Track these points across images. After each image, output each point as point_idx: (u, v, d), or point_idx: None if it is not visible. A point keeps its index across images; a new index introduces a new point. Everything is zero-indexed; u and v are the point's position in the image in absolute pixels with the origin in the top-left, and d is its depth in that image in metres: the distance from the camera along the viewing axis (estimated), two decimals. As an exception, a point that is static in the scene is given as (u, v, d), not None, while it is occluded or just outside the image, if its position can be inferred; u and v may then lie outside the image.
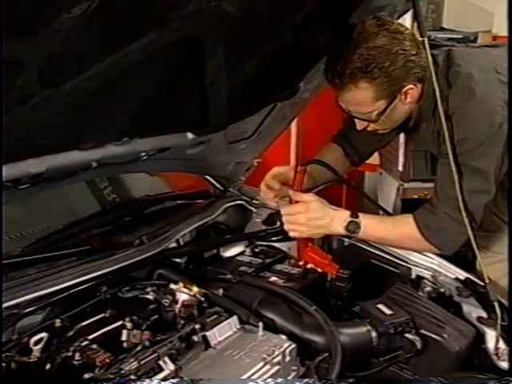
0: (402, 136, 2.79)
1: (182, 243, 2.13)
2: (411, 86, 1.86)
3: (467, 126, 1.82)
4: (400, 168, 3.27)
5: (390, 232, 1.98)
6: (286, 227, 1.94)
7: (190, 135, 2.03)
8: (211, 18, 1.43)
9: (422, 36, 1.79)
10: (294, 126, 4.01)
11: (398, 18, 2.12)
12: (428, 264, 2.15)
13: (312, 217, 1.90)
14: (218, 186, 2.59)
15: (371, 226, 1.95)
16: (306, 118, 3.93)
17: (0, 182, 1.47)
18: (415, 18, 1.77)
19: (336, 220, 1.92)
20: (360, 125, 1.99)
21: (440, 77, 1.87)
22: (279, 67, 1.93)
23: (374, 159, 3.47)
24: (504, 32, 4.09)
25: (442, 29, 4.19)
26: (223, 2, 1.41)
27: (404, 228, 1.96)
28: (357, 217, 1.93)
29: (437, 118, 1.92)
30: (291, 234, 1.94)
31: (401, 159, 3.22)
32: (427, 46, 1.78)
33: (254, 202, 2.54)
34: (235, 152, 2.36)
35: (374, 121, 1.92)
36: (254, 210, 2.51)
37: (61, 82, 1.32)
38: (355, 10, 1.91)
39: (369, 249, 2.24)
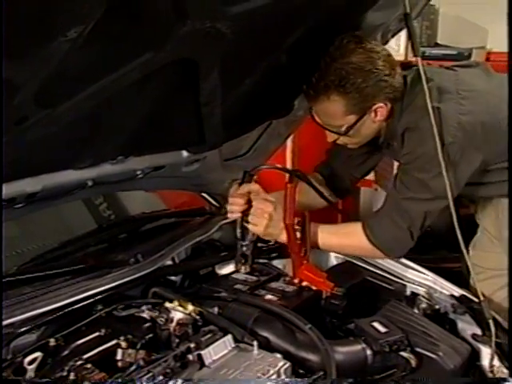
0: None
1: (177, 261, 2.12)
2: (382, 104, 1.95)
3: (417, 141, 1.90)
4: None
5: (333, 240, 2.12)
6: (250, 218, 2.02)
7: (185, 153, 2.04)
8: (206, 39, 1.44)
9: (415, 55, 1.81)
10: (289, 142, 4.01)
11: (392, 36, 2.14)
12: (423, 281, 2.15)
13: (276, 218, 1.98)
14: (214, 202, 2.59)
15: (320, 235, 2.07)
16: (301, 134, 3.93)
17: (0, 200, 1.48)
18: (409, 37, 1.78)
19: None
20: (330, 137, 2.08)
21: (406, 95, 1.97)
22: (274, 86, 1.95)
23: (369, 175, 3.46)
24: (498, 48, 4.15)
25: (437, 45, 4.23)
26: (217, 23, 1.42)
27: (350, 233, 2.10)
28: None
29: (399, 139, 2.01)
30: (250, 226, 2.02)
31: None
32: (420, 64, 1.80)
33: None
34: (231, 169, 2.37)
35: (343, 134, 2.01)
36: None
37: (56, 103, 1.34)
38: (349, 30, 1.93)
39: (364, 266, 2.24)
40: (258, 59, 1.75)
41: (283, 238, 2.02)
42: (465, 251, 1.87)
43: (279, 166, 2.17)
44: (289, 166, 4.04)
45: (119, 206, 2.64)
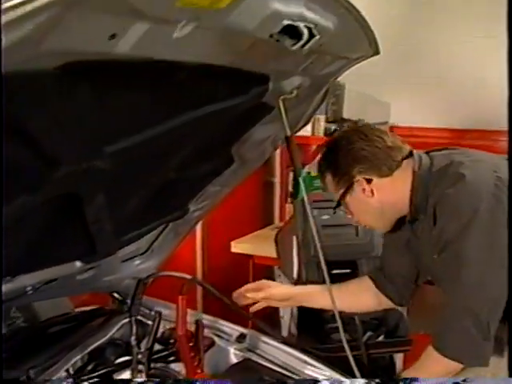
0: (294, 244, 2.86)
1: (72, 371, 2.09)
2: (360, 178, 2.00)
3: (450, 211, 1.88)
4: (295, 275, 3.26)
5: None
6: None
7: (78, 263, 2.03)
8: (84, 175, 1.47)
9: (296, 174, 1.88)
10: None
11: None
12: (320, 377, 2.19)
13: None
14: (118, 296, 2.57)
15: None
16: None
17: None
18: (290, 156, 1.85)
19: None
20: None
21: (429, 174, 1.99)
22: (165, 196, 1.98)
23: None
24: (400, 122, 4.31)
25: (343, 120, 4.35)
26: (94, 162, 1.45)
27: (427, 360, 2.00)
28: None
29: (430, 212, 1.97)
30: None
31: (295, 267, 3.23)
32: (302, 182, 1.85)
33: (152, 313, 2.53)
34: (129, 269, 2.37)
35: (337, 206, 2.12)
36: (150, 323, 2.50)
37: None
38: (236, 143, 1.99)
39: (263, 363, 2.27)
40: (143, 181, 1.78)
41: None
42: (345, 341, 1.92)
43: (175, 273, 2.18)
44: (199, 241, 4.07)
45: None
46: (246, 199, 4.08)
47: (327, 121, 4.25)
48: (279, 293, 2.43)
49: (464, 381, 1.85)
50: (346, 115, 4.39)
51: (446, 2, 4.03)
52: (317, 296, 2.41)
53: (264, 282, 2.49)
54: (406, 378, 1.91)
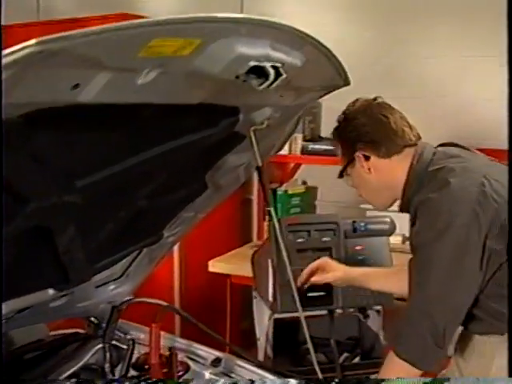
0: (270, 267, 2.87)
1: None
2: (361, 155, 2.06)
3: (429, 215, 1.88)
4: (270, 298, 3.22)
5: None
6: None
7: (50, 291, 2.03)
8: (55, 210, 1.48)
9: (267, 204, 1.89)
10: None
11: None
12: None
13: None
14: (93, 319, 2.56)
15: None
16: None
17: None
18: (262, 187, 1.86)
19: None
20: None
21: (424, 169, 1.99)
22: (138, 223, 1.99)
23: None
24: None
25: (320, 138, 4.35)
26: (66, 197, 1.46)
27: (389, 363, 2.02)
28: None
29: (412, 212, 1.98)
30: None
31: (270, 290, 3.21)
32: (274, 214, 1.87)
33: (128, 337, 2.53)
34: (103, 294, 2.37)
35: (340, 175, 2.18)
36: (125, 347, 2.50)
37: None
38: (209, 170, 2.01)
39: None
40: (115, 211, 1.79)
41: None
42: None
43: (150, 300, 2.19)
44: (177, 259, 4.06)
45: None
46: (224, 217, 4.07)
47: (304, 139, 4.25)
48: (343, 275, 2.41)
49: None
50: (323, 133, 4.38)
51: (421, 22, 4.09)
52: (379, 278, 2.42)
53: (327, 261, 2.45)
54: (369, 379, 1.92)
